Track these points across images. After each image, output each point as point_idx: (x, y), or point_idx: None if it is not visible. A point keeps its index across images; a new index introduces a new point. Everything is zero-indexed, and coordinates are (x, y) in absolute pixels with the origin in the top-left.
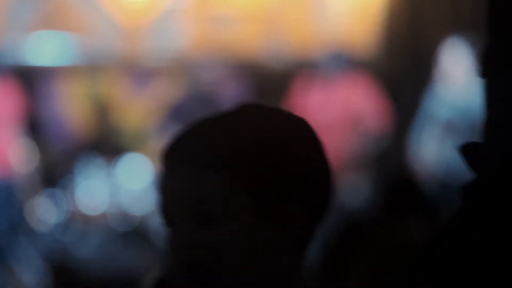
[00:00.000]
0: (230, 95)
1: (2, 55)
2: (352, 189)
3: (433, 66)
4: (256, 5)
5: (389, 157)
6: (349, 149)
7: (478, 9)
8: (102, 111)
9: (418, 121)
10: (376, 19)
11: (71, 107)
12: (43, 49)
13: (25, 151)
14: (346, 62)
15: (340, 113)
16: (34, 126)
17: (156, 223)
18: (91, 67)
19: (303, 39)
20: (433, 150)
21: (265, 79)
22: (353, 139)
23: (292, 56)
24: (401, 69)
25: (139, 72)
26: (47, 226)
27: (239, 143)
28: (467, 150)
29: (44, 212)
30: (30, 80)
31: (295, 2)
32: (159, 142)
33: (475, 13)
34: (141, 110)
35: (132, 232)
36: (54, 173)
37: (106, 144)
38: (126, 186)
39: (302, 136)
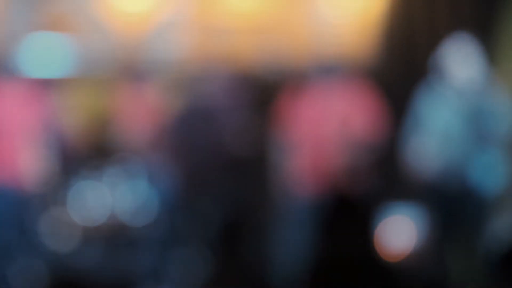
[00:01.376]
0: (228, 106)
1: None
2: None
3: (432, 71)
4: (253, 16)
5: (387, 164)
6: (344, 160)
7: (477, 10)
8: (100, 122)
9: (414, 126)
10: (372, 27)
11: (69, 118)
12: (40, 59)
13: (34, 160)
14: (340, 73)
15: (335, 124)
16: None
17: (153, 233)
18: (88, 78)
19: (299, 50)
20: (431, 154)
21: (263, 90)
22: (348, 150)
23: (289, 68)
24: (399, 76)
25: (137, 82)
26: (47, 237)
27: None
28: None
29: (43, 223)
30: (28, 89)
31: (291, 14)
32: (158, 153)
33: (474, 14)
34: (138, 121)
35: (131, 243)
36: (53, 184)
37: (104, 155)
38: (123, 198)
39: None
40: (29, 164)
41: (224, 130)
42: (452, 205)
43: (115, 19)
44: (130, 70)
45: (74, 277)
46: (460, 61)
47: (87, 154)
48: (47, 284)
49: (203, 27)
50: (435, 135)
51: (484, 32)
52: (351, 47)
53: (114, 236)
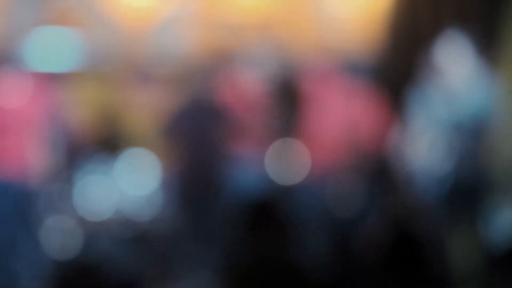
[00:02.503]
0: (231, 102)
1: (11, 57)
2: (347, 192)
3: (428, 67)
4: (259, 12)
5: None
6: (349, 154)
7: (479, 9)
8: (105, 116)
9: (415, 122)
10: (377, 23)
11: (75, 112)
12: (47, 54)
13: (39, 155)
14: (354, 69)
15: (342, 120)
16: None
17: (160, 228)
18: (94, 72)
19: (306, 46)
20: (429, 150)
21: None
22: (353, 145)
23: (295, 63)
24: (403, 73)
25: (142, 77)
26: (53, 232)
27: None
28: None
29: (50, 217)
30: (33, 83)
31: (298, 9)
32: (163, 147)
33: (475, 13)
34: (144, 116)
35: (137, 238)
36: (58, 178)
37: (110, 150)
38: (130, 193)
39: None
40: (35, 158)
41: (228, 125)
42: (453, 199)
43: (120, 14)
44: (135, 65)
45: (80, 272)
46: (455, 58)
47: (93, 148)
48: (52, 279)
49: (209, 22)
50: (433, 130)
51: (488, 30)
52: (357, 42)
53: (120, 231)
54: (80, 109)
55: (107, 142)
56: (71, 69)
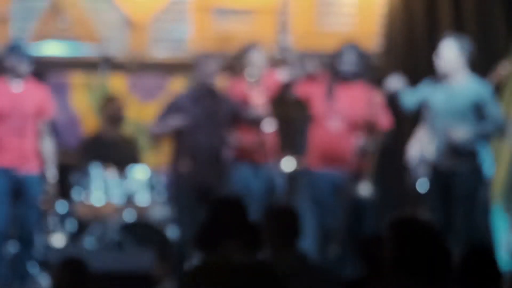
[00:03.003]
0: (235, 89)
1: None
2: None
3: (433, 64)
4: None
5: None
6: (356, 146)
7: (476, 9)
8: (108, 103)
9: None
10: (378, 22)
11: (78, 100)
12: (50, 43)
13: (49, 146)
14: (361, 58)
15: (350, 111)
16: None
17: (160, 214)
18: (97, 61)
19: (310, 32)
20: (431, 147)
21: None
22: (362, 137)
23: (299, 50)
24: (401, 68)
25: (145, 65)
26: (60, 222)
27: None
28: None
29: (57, 207)
30: (39, 74)
31: None
32: (159, 133)
33: (473, 12)
34: (147, 104)
35: (138, 223)
36: (63, 167)
37: (113, 136)
38: (132, 177)
39: None
40: (42, 148)
41: (230, 113)
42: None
43: (124, 1)
44: (138, 52)
45: (87, 261)
46: (453, 58)
47: (99, 139)
48: (60, 268)
49: (211, 8)
50: (431, 129)
51: (484, 31)
52: (358, 38)
53: (122, 219)
54: (82, 97)
55: (113, 132)
56: (75, 57)
